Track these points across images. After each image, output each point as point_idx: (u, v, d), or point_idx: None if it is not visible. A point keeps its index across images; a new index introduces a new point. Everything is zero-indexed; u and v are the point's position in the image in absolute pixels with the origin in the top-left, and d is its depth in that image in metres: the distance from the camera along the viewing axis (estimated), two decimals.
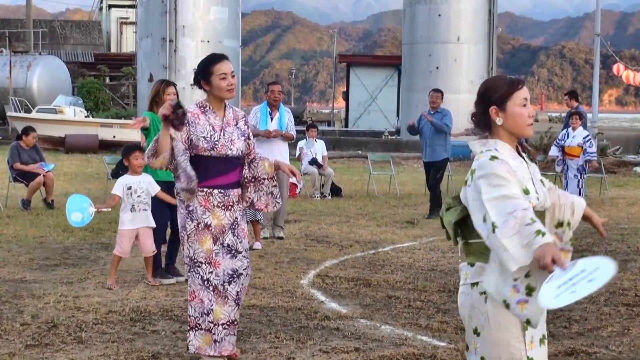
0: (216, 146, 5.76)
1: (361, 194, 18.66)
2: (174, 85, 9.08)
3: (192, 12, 35.01)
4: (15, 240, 11.42)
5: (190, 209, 5.77)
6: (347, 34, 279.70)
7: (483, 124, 3.87)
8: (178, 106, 5.57)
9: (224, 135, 5.79)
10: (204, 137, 5.74)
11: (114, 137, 32.05)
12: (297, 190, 18.04)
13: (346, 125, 45.94)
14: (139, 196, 8.57)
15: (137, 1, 38.03)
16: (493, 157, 3.70)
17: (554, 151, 16.42)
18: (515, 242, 3.49)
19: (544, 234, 3.48)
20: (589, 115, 23.82)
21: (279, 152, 11.56)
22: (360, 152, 32.07)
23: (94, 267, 9.51)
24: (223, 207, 5.79)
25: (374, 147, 33.18)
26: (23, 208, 14.60)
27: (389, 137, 36.38)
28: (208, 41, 35.26)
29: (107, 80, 53.41)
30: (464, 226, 3.86)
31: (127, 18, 67.18)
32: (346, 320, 7.26)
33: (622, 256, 10.85)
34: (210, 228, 5.76)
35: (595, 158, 16.06)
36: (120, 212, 8.64)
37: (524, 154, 3.90)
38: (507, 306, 3.62)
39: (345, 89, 48.76)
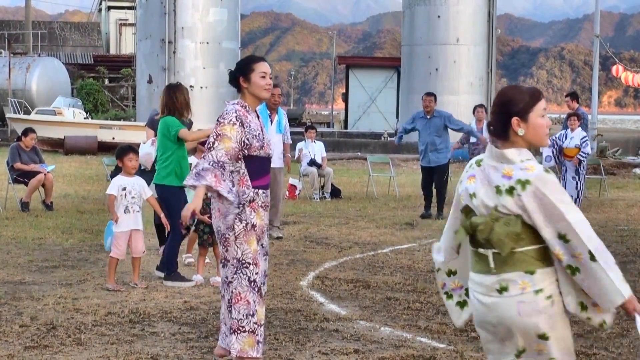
0: (264, 145, 5.77)
1: (360, 196, 18.65)
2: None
3: (192, 13, 35.03)
4: (14, 241, 11.41)
5: (239, 209, 5.71)
6: (346, 36, 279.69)
7: (501, 132, 3.91)
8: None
9: (264, 135, 5.84)
10: (255, 135, 5.71)
11: (113, 138, 32.04)
12: (297, 192, 18.05)
13: (345, 127, 45.95)
14: (132, 197, 8.60)
15: (137, 3, 38.05)
16: (547, 170, 3.79)
17: (547, 151, 16.37)
18: (618, 275, 3.76)
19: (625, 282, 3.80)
20: (589, 117, 23.78)
21: (277, 156, 11.50)
22: (359, 153, 32.09)
23: (93, 269, 9.50)
24: (264, 207, 5.80)
25: (373, 148, 33.21)
26: (22, 210, 14.59)
27: (389, 138, 36.40)
28: (207, 43, 35.28)
29: (107, 81, 53.43)
30: (503, 236, 3.84)
31: (126, 19, 67.18)
32: (345, 322, 7.26)
33: (621, 258, 10.84)
34: (255, 228, 5.74)
35: (584, 158, 15.98)
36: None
37: None
38: (585, 308, 3.88)
39: (344, 91, 48.76)
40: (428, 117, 14.73)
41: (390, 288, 8.76)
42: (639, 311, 3.75)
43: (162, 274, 8.94)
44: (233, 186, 5.62)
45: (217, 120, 5.70)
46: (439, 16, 33.80)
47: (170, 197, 8.80)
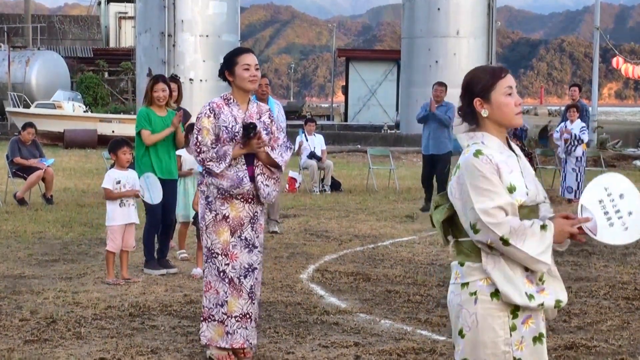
0: (236, 137, 5.81)
1: (360, 189, 18.64)
2: (165, 80, 9.10)
3: (191, 6, 34.98)
4: (14, 235, 11.40)
5: (210, 199, 5.83)
6: (346, 29, 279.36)
7: (470, 117, 3.78)
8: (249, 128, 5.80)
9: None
10: (225, 127, 5.81)
11: (113, 132, 31.98)
12: (297, 185, 18.04)
13: (345, 120, 45.90)
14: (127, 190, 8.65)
15: None
16: (478, 152, 3.62)
17: (557, 135, 16.43)
18: (531, 245, 3.55)
19: (545, 228, 3.57)
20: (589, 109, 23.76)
21: None
22: (359, 146, 32.05)
23: (93, 263, 9.49)
24: (242, 199, 5.83)
25: (373, 141, 33.16)
26: (19, 205, 14.54)
27: (389, 131, 36.36)
28: (207, 36, 35.22)
29: (106, 75, 53.35)
30: (453, 224, 3.76)
31: (125, 13, 67.05)
32: (345, 315, 7.26)
33: (622, 250, 10.84)
34: (227, 220, 5.80)
35: (582, 141, 16.00)
36: (107, 206, 8.67)
37: (514, 147, 3.81)
38: (531, 297, 3.59)
39: (344, 84, 48.70)
40: (436, 106, 14.70)
41: (390, 281, 8.76)
42: (574, 231, 3.59)
43: (161, 270, 8.97)
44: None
45: (197, 117, 5.92)
46: (438, 8, 33.73)
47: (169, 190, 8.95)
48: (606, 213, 3.62)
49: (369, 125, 40.18)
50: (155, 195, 8.76)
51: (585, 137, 16.08)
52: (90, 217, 13.07)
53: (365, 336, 6.58)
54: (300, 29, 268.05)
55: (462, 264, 3.71)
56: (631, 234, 3.64)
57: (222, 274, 5.80)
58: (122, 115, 35.67)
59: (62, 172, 20.47)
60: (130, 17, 62.09)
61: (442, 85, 14.98)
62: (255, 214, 5.89)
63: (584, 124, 16.36)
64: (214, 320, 5.84)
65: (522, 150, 19.01)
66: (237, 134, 5.80)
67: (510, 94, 3.73)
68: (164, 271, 8.86)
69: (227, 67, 5.91)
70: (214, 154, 5.77)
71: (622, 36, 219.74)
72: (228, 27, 36.03)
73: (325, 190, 17.87)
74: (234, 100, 5.92)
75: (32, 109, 34.70)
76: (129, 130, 32.68)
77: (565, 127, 16.19)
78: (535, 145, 25.15)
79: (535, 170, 18.92)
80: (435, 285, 8.55)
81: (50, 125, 31.53)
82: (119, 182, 8.59)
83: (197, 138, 5.83)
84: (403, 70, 36.21)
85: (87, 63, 53.25)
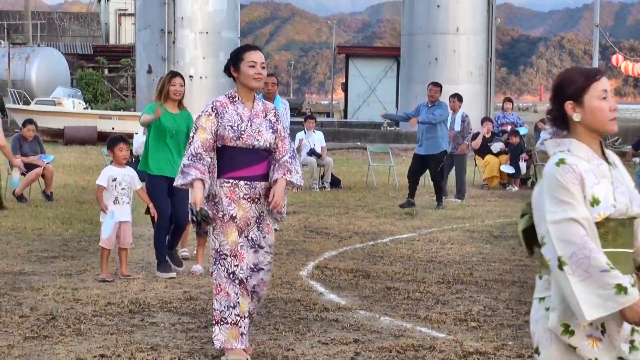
0: (242, 136, 5.73)
1: (360, 186, 18.65)
2: (181, 76, 8.99)
3: (191, 3, 34.97)
4: (14, 232, 11.40)
5: (216, 200, 5.74)
6: (346, 25, 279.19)
7: (560, 121, 3.49)
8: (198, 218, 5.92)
9: (251, 125, 5.77)
10: (230, 126, 5.72)
11: (113, 128, 31.98)
12: None
13: (345, 117, 45.89)
14: (123, 188, 8.55)
15: None
16: (560, 161, 3.36)
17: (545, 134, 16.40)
18: (589, 291, 3.22)
19: (625, 291, 3.20)
20: None
21: None
22: (359, 143, 32.07)
23: (93, 259, 9.49)
24: (249, 199, 5.75)
25: (373, 138, 33.19)
26: (18, 201, 14.54)
27: (388, 128, 36.36)
28: (207, 32, 35.23)
29: (106, 72, 53.36)
30: (535, 235, 3.50)
31: (125, 9, 67.03)
32: (345, 312, 7.26)
33: None
34: (235, 220, 5.71)
35: None
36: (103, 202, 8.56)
37: (609, 154, 3.51)
38: (571, 333, 3.31)
39: (344, 81, 48.69)
40: (429, 105, 14.71)
41: (389, 278, 8.76)
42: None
43: (171, 273, 8.76)
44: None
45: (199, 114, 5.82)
46: (438, 5, 33.71)
47: (146, 184, 8.84)
48: None
49: (368, 122, 40.18)
50: None
51: None
52: (90, 214, 13.07)
53: (365, 333, 6.58)
54: (300, 26, 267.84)
55: (540, 277, 3.56)
56: None
57: (232, 275, 5.69)
58: (122, 112, 35.68)
59: (62, 168, 20.47)
60: (130, 14, 62.07)
61: (437, 85, 14.98)
62: (262, 214, 5.82)
63: None
64: (227, 322, 5.70)
65: (522, 147, 19.06)
66: (243, 133, 5.73)
67: (605, 98, 3.44)
68: (173, 274, 8.66)
69: (233, 63, 5.83)
70: (187, 161, 5.68)
71: (622, 33, 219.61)
72: (228, 24, 36.03)
73: (325, 187, 17.88)
74: (239, 98, 5.84)
75: (32, 106, 34.70)
76: (129, 127, 32.74)
77: None
78: (535, 142, 25.14)
79: (534, 166, 18.94)
80: (435, 282, 8.56)
81: (50, 122, 31.55)
82: (114, 180, 8.52)
83: (192, 137, 5.76)
84: (403, 67, 36.20)
85: (87, 60, 53.22)
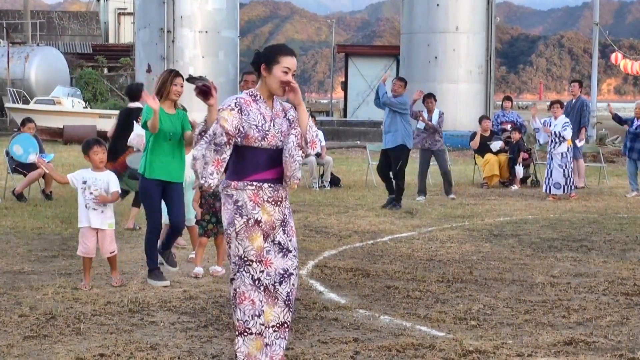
0: (267, 136, 5.42)
1: (360, 184, 18.65)
2: (182, 76, 8.54)
3: (190, 2, 34.95)
4: (13, 231, 11.40)
5: (240, 204, 5.39)
6: (345, 24, 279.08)
7: None
8: (193, 78, 5.48)
9: (274, 125, 5.47)
10: (255, 125, 5.41)
11: None
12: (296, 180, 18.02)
13: (345, 116, 45.86)
14: (91, 193, 8.08)
15: None
16: None
17: (537, 124, 16.42)
18: None
19: None
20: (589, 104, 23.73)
21: None
22: (358, 142, 32.05)
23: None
24: (273, 202, 5.45)
25: (372, 137, 33.16)
26: (17, 200, 14.53)
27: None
28: (206, 32, 35.21)
29: (105, 71, 53.37)
30: None
31: (125, 9, 67.08)
32: (345, 311, 7.26)
33: (621, 245, 10.85)
34: (260, 224, 5.40)
35: (563, 138, 16.04)
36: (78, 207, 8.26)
37: None
38: None
39: (343, 79, 48.66)
40: (394, 100, 14.68)
41: (389, 277, 8.76)
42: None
43: (165, 282, 8.43)
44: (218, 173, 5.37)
45: (219, 110, 5.47)
46: (438, 4, 33.70)
47: (141, 188, 8.45)
48: None
49: (368, 121, 40.15)
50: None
51: (568, 134, 16.05)
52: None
53: (365, 332, 6.58)
54: (299, 25, 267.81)
55: None
56: None
57: (257, 282, 5.40)
58: None
59: (62, 167, 20.47)
60: (129, 13, 62.12)
61: (402, 80, 14.99)
62: (285, 216, 5.53)
63: (567, 120, 16.32)
64: (251, 333, 5.40)
65: (521, 145, 19.05)
66: (267, 133, 5.43)
67: None
68: (167, 282, 8.33)
69: (266, 62, 5.50)
70: (206, 152, 5.35)
71: (621, 32, 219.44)
72: (227, 23, 36.01)
73: (324, 186, 17.88)
74: (260, 97, 5.53)
75: (32, 105, 34.70)
76: None
77: (550, 123, 16.17)
78: (535, 140, 25.14)
79: (534, 165, 18.94)
80: (435, 281, 8.56)
81: (49, 121, 31.55)
82: (84, 182, 8.07)
83: (207, 127, 5.41)
84: (402, 66, 36.18)
85: (87, 59, 53.24)
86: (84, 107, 36.29)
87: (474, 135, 19.51)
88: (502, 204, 15.57)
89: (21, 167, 15.06)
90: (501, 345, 6.19)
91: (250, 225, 5.38)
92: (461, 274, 8.94)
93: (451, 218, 13.52)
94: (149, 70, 35.47)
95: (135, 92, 11.70)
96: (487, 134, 19.16)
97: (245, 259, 5.39)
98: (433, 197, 16.40)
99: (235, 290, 5.42)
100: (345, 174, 20.19)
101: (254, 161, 5.44)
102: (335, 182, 18.25)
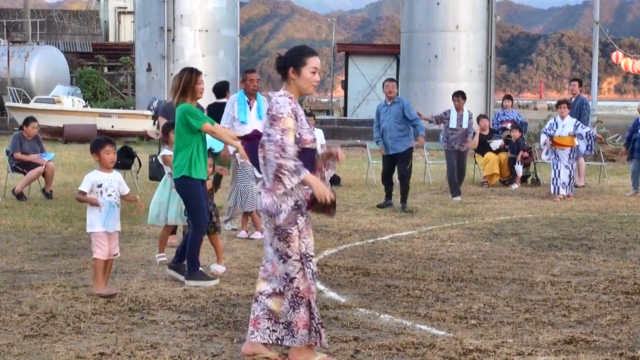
0: (315, 138, 5.71)
1: (360, 183, 18.64)
2: (201, 73, 8.55)
3: (190, 1, 34.97)
4: (13, 230, 11.40)
5: (299, 203, 5.56)
6: (345, 23, 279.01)
7: None
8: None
9: (308, 126, 5.71)
10: (307, 129, 5.63)
11: (113, 127, 32.02)
12: None
13: (345, 115, 45.85)
14: (109, 195, 7.76)
15: None
16: None
17: (543, 139, 16.32)
18: None
19: None
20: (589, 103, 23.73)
21: None
22: (359, 141, 32.04)
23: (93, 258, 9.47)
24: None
25: (372, 136, 33.14)
26: (17, 199, 14.52)
27: None
28: (206, 30, 35.22)
29: (105, 70, 53.36)
30: None
31: (125, 7, 67.07)
32: (345, 310, 7.26)
33: (621, 244, 10.85)
34: (310, 220, 5.72)
35: (594, 133, 16.20)
36: (87, 212, 7.85)
37: None
38: None
39: (343, 78, 48.65)
40: (389, 103, 14.65)
41: (389, 275, 8.76)
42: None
43: (175, 274, 8.43)
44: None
45: (272, 114, 5.52)
46: (438, 3, 33.71)
47: (186, 191, 8.29)
48: None
49: (368, 119, 40.09)
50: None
51: (587, 129, 16.15)
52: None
53: (365, 331, 6.58)
54: (299, 24, 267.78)
55: None
56: None
57: (314, 275, 5.68)
58: (121, 110, 35.66)
59: (62, 167, 20.48)
60: (129, 12, 62.13)
61: (392, 81, 14.92)
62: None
63: (576, 119, 16.31)
64: (313, 326, 5.67)
65: (520, 144, 19.04)
66: (312, 133, 5.66)
67: None
68: (216, 281, 8.27)
69: (294, 65, 5.65)
70: (292, 166, 5.44)
71: (622, 30, 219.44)
72: (227, 22, 36.02)
73: None
74: (294, 99, 5.68)
75: (32, 104, 34.69)
76: (128, 125, 32.76)
77: (556, 124, 16.11)
78: (535, 139, 25.13)
79: (534, 164, 18.92)
80: (435, 279, 8.56)
81: (49, 120, 31.54)
82: (100, 186, 7.72)
83: (282, 139, 5.44)
84: (402, 64, 36.19)
85: (87, 58, 53.22)
86: (84, 106, 36.28)
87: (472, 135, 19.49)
88: (502, 202, 15.57)
89: (21, 166, 15.06)
90: (501, 344, 6.19)
91: (307, 223, 5.66)
92: (461, 272, 8.94)
93: (451, 217, 13.52)
94: (149, 69, 35.50)
95: (221, 89, 12.98)
96: (486, 132, 19.16)
97: (307, 255, 5.65)
98: (433, 197, 16.41)
99: (297, 288, 5.60)
100: (345, 173, 20.19)
101: (309, 162, 5.62)
102: (335, 180, 18.24)
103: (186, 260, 8.36)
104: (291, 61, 5.67)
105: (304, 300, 5.62)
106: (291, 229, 5.55)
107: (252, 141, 5.81)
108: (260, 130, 5.83)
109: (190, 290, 7.90)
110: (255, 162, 5.81)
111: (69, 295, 7.61)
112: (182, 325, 6.67)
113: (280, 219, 5.53)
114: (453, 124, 15.97)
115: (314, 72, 5.69)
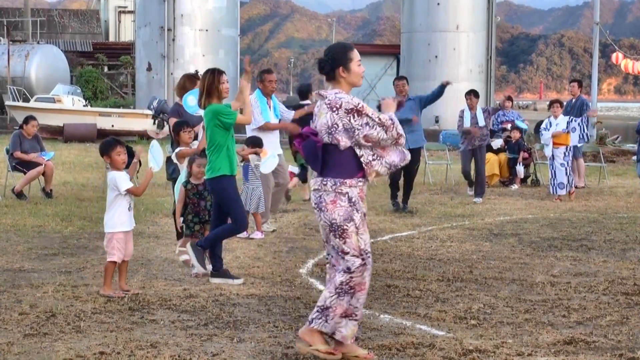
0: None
1: None
2: (225, 72, 8.53)
3: (191, 0, 34.99)
4: (13, 229, 11.40)
5: (354, 200, 5.69)
6: (345, 23, 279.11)
7: None
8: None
9: None
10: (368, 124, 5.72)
11: (113, 126, 32.02)
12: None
13: None
14: (125, 194, 7.71)
15: None
16: None
17: (545, 138, 16.30)
18: None
19: None
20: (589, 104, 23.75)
21: (272, 143, 11.46)
22: None
23: (93, 257, 9.49)
24: (361, 198, 5.81)
25: None
26: (17, 198, 14.53)
27: None
28: (206, 30, 35.25)
29: (106, 69, 53.40)
30: None
31: (125, 7, 67.09)
32: None
33: (621, 245, 10.85)
34: (365, 217, 5.81)
35: (585, 137, 16.16)
36: (108, 213, 7.71)
37: None
38: None
39: None
40: (401, 99, 14.54)
41: (389, 275, 8.76)
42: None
43: (221, 279, 8.30)
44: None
45: (350, 108, 5.65)
46: (438, 3, 33.74)
47: (227, 189, 8.26)
48: None
49: None
50: (159, 161, 8.31)
51: (579, 120, 16.19)
52: (89, 211, 13.08)
53: (365, 331, 6.58)
54: (299, 23, 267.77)
55: None
56: None
57: (369, 271, 5.75)
58: (121, 110, 35.67)
59: (62, 166, 20.47)
60: (129, 11, 62.14)
61: (402, 79, 14.77)
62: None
63: (568, 118, 16.30)
64: (356, 319, 5.73)
65: (522, 144, 19.03)
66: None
67: None
68: (242, 280, 8.31)
69: (343, 64, 5.73)
70: (400, 129, 5.75)
71: (622, 31, 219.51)
72: (228, 21, 36.04)
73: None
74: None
75: (32, 103, 34.70)
76: (128, 124, 32.73)
77: (550, 124, 16.10)
78: (535, 140, 25.16)
79: (534, 165, 18.91)
80: (435, 280, 8.56)
81: (49, 119, 31.55)
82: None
83: (380, 118, 5.71)
84: (402, 64, 36.22)
85: (87, 57, 53.27)
86: (84, 106, 36.28)
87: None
88: (502, 203, 15.57)
89: (21, 165, 15.06)
90: (501, 345, 6.19)
91: (364, 219, 5.75)
92: (461, 273, 8.94)
93: (451, 217, 13.53)
94: (149, 69, 35.51)
95: (305, 92, 14.41)
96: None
97: (366, 250, 5.69)
98: (433, 197, 16.41)
99: (351, 279, 5.64)
100: None
101: (360, 158, 5.72)
102: None
103: (208, 253, 8.38)
104: (338, 61, 5.75)
105: (351, 291, 5.67)
106: (347, 225, 5.64)
107: (306, 139, 5.78)
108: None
109: (190, 290, 7.90)
110: (311, 160, 5.77)
111: (69, 294, 7.61)
112: (182, 325, 6.67)
113: (335, 215, 5.64)
114: (467, 123, 15.80)
115: (359, 65, 5.80)
